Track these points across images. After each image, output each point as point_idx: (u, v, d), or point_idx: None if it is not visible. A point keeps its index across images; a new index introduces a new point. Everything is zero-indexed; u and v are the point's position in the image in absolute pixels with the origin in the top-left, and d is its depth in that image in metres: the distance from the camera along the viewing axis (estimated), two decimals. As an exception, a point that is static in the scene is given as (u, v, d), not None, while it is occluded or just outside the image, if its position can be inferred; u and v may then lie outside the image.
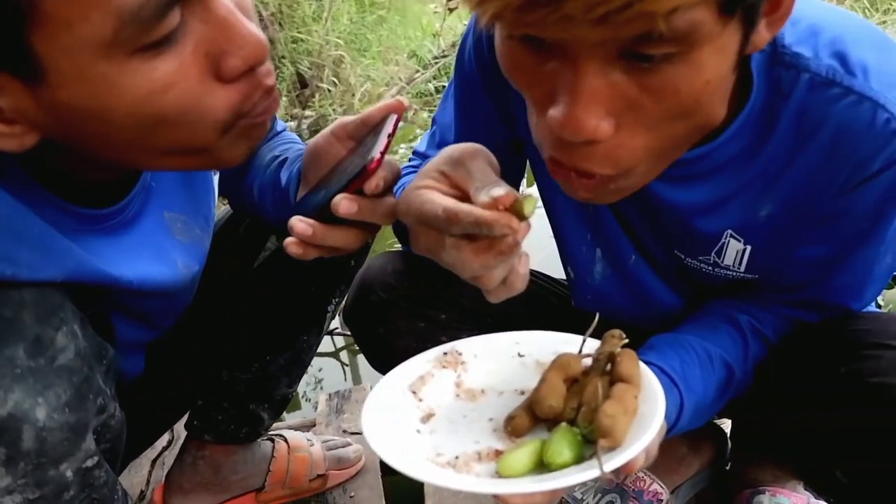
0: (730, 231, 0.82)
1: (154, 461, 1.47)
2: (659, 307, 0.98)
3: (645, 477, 1.17)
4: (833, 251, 0.82)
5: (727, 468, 1.28)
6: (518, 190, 0.65)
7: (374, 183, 0.71)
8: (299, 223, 0.71)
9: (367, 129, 0.82)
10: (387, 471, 1.40)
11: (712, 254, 0.85)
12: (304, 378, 2.12)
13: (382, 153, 0.70)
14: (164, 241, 0.89)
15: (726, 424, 1.33)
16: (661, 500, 1.16)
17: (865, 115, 0.70)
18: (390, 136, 0.73)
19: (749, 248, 0.83)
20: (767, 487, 1.10)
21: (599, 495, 1.17)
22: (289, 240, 0.72)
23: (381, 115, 0.80)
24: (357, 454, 1.40)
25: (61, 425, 0.70)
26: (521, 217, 0.62)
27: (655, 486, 1.16)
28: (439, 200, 0.65)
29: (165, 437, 1.53)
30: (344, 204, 0.69)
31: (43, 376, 0.68)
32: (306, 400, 2.03)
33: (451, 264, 0.67)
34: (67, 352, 0.70)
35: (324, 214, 0.72)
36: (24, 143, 0.65)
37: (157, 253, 0.87)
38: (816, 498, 1.11)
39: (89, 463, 0.77)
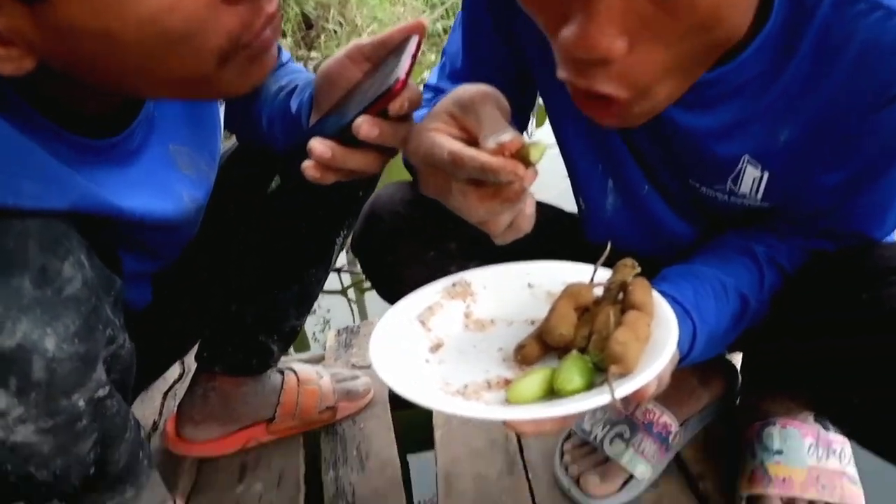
0: (747, 157, 0.80)
1: (166, 393, 1.49)
2: (671, 239, 0.96)
3: (654, 409, 1.17)
4: (854, 176, 0.79)
5: (736, 402, 1.28)
6: (526, 132, 0.63)
7: (398, 104, 0.68)
8: (319, 145, 0.69)
9: (386, 52, 0.79)
10: (396, 404, 1.41)
11: (728, 182, 0.83)
12: (312, 318, 2.14)
13: (407, 73, 0.68)
14: (170, 174, 0.88)
15: (736, 359, 1.32)
16: (671, 433, 1.16)
17: (894, 30, 0.67)
18: (413, 56, 0.70)
19: (767, 174, 0.81)
20: (778, 419, 1.10)
21: (608, 427, 1.17)
22: (307, 163, 0.70)
23: (401, 37, 0.77)
24: (366, 387, 1.41)
25: (71, 356, 0.69)
26: (528, 164, 0.61)
27: (665, 419, 1.16)
28: (447, 144, 0.64)
29: (177, 370, 1.54)
30: (365, 126, 0.67)
31: (51, 307, 0.67)
32: (315, 340, 2.04)
33: (457, 209, 0.66)
34: (75, 282, 0.69)
35: (342, 137, 0.70)
36: (21, 67, 0.64)
37: (162, 186, 0.86)
38: (826, 429, 1.11)
39: (101, 393, 0.77)
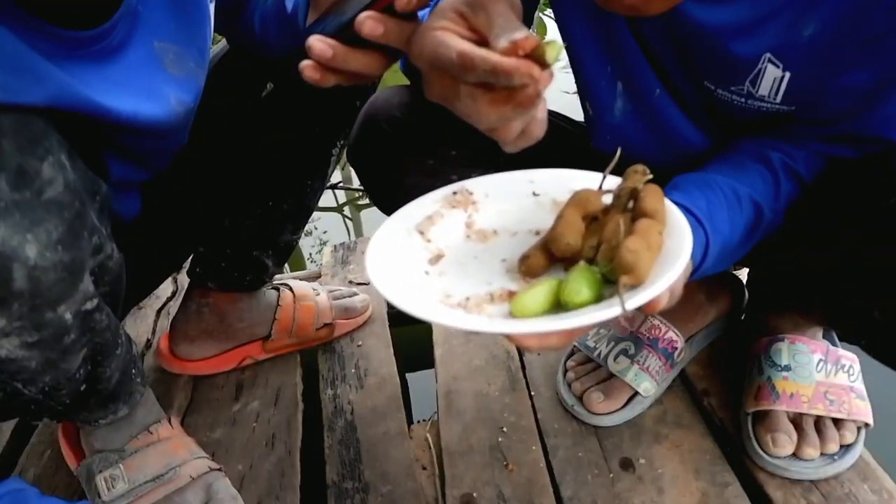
0: (768, 55, 0.75)
1: (159, 311, 1.47)
2: (683, 147, 0.91)
3: (660, 325, 1.14)
4: (879, 77, 0.74)
5: (742, 318, 1.26)
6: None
7: None
8: (318, 43, 0.63)
9: None
10: (395, 321, 1.39)
11: (746, 83, 0.78)
12: (308, 238, 2.11)
13: None
14: (155, 73, 0.82)
15: (743, 273, 1.29)
16: (676, 349, 1.14)
17: None
18: None
19: (788, 74, 0.75)
20: (786, 335, 1.07)
21: (613, 343, 1.14)
22: (305, 63, 0.65)
23: None
24: (364, 304, 1.38)
25: (55, 264, 0.65)
26: (544, 65, 0.55)
27: (670, 334, 1.14)
28: (454, 44, 0.58)
29: (170, 288, 1.51)
30: (369, 23, 0.61)
31: (30, 210, 0.63)
32: (311, 261, 2.01)
33: (465, 114, 0.60)
34: (56, 184, 0.65)
35: (344, 36, 0.64)
36: None
37: (147, 86, 0.80)
38: (834, 345, 1.09)
39: (88, 306, 0.74)
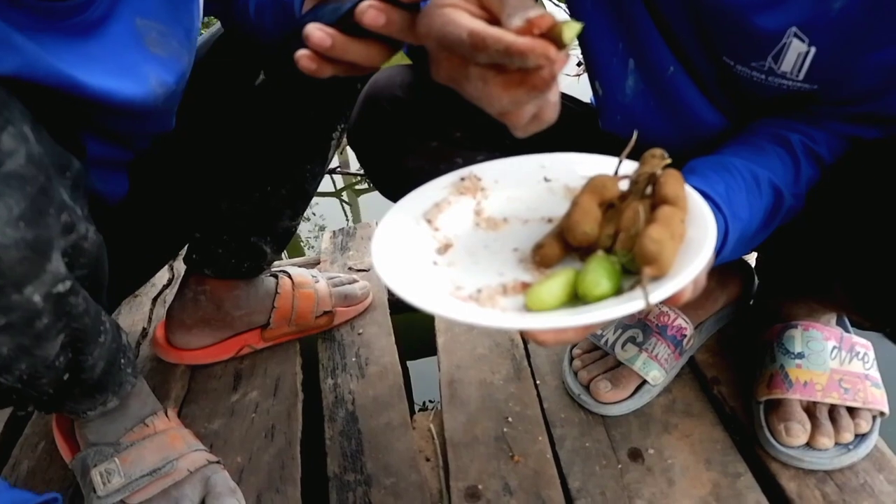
0: (794, 29, 0.71)
1: (155, 299, 1.44)
2: (697, 128, 0.88)
3: (669, 312, 1.11)
4: None
5: (751, 303, 1.23)
6: None
7: None
8: (317, 32, 0.59)
9: None
10: (395, 307, 1.36)
11: (769, 58, 0.74)
12: (306, 224, 2.08)
13: None
14: (135, 51, 0.78)
15: (751, 257, 1.27)
16: (685, 336, 1.11)
17: None
18: None
19: (813, 49, 0.72)
20: (800, 322, 1.05)
21: (620, 330, 1.12)
22: (301, 52, 0.61)
23: None
24: (364, 291, 1.35)
25: (16, 242, 0.62)
26: (560, 45, 0.51)
27: (679, 321, 1.11)
28: (465, 22, 0.54)
29: (166, 276, 1.49)
30: (371, 13, 0.58)
31: None
32: (310, 247, 1.98)
33: (475, 97, 0.57)
34: (17, 157, 0.61)
35: (343, 26, 0.61)
36: None
37: (125, 64, 0.77)
38: (847, 332, 1.06)
39: (60, 288, 0.70)
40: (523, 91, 0.54)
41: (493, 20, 0.55)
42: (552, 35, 0.51)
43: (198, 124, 0.95)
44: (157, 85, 0.81)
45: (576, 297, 0.55)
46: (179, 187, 1.05)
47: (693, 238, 0.55)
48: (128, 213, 0.92)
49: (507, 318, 0.54)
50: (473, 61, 0.54)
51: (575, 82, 0.92)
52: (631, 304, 0.50)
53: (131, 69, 0.77)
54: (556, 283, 0.54)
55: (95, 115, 0.77)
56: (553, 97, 0.58)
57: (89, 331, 0.78)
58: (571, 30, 0.52)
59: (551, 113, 0.59)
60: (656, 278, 0.52)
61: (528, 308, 0.55)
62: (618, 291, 0.54)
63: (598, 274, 0.53)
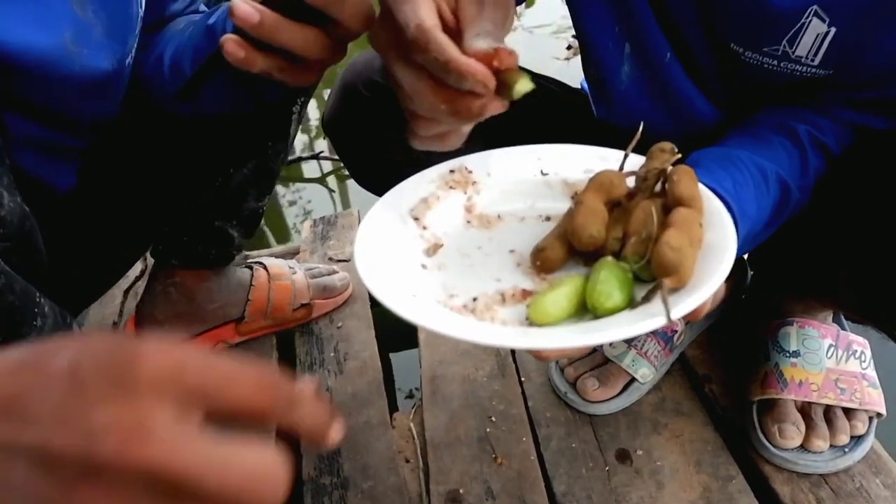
0: (815, 7, 0.66)
1: (126, 291, 1.38)
2: (691, 119, 0.83)
3: (659, 307, 1.07)
4: None
5: (743, 297, 1.20)
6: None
7: None
8: (242, 5, 0.53)
9: None
10: (376, 300, 1.31)
11: (784, 42, 0.70)
12: (293, 208, 2.02)
13: None
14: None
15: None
16: (676, 332, 1.08)
17: None
18: None
19: (833, 30, 0.67)
20: (796, 319, 1.01)
21: (611, 327, 1.08)
22: (227, 37, 0.55)
23: None
24: (344, 282, 1.30)
25: None
26: (507, 92, 0.47)
27: (671, 318, 1.07)
28: (421, 13, 0.48)
29: (138, 267, 1.42)
30: None
31: None
32: (296, 231, 1.92)
33: (398, 82, 0.52)
34: None
35: (276, 4, 0.54)
36: None
37: (41, 9, 0.67)
38: (844, 329, 1.03)
39: None
40: (446, 108, 0.49)
41: (453, 31, 0.50)
42: (504, 78, 0.47)
43: (147, 111, 0.88)
44: (72, 45, 0.71)
45: (584, 308, 0.50)
46: (136, 177, 0.98)
47: (711, 243, 0.51)
48: (85, 205, 0.85)
49: (512, 336, 0.49)
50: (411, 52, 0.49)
51: (565, 65, 0.87)
52: (650, 321, 0.45)
53: (46, 18, 0.68)
54: (562, 293, 0.50)
55: (14, 84, 0.69)
56: (466, 129, 0.54)
57: (18, 313, 0.70)
58: (524, 86, 0.47)
59: (456, 142, 0.55)
60: (675, 289, 0.47)
61: (530, 320, 0.50)
62: (630, 301, 0.50)
63: (610, 284, 0.49)
